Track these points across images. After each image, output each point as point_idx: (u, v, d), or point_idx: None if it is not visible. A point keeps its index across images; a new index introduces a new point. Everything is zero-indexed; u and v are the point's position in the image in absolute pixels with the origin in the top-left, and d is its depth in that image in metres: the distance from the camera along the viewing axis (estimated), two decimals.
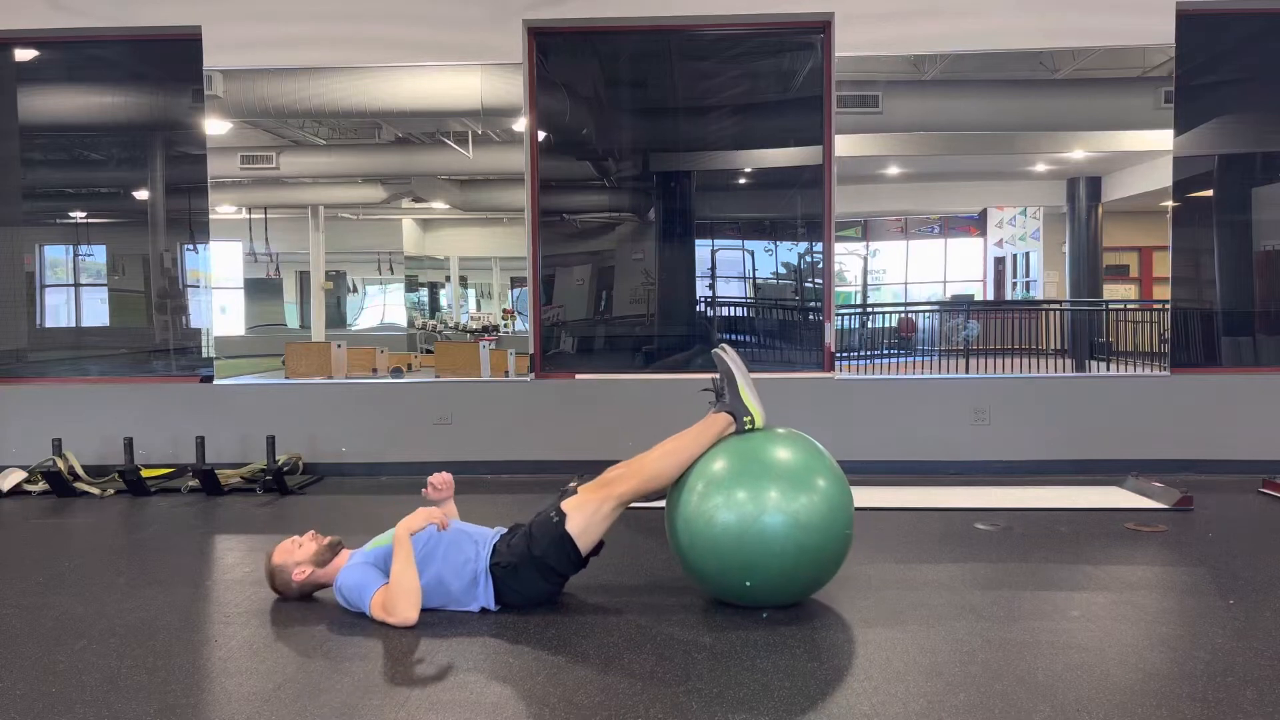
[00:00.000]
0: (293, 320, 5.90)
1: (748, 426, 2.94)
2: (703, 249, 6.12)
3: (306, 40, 5.46)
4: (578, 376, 5.57)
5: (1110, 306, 5.58)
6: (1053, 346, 5.64)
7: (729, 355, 3.00)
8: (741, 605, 2.88)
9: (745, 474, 2.79)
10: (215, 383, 5.60)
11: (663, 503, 3.02)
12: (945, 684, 2.31)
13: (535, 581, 2.87)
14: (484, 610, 2.89)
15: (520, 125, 5.51)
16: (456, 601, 2.89)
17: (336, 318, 5.88)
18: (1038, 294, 5.82)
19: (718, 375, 3.03)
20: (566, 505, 2.87)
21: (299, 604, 3.00)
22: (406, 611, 2.76)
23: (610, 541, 3.80)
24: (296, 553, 3.00)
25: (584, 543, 2.86)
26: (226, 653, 2.60)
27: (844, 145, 5.41)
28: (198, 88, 5.56)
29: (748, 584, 2.77)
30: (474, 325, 5.75)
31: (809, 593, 2.92)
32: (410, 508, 2.96)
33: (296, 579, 2.97)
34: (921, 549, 3.65)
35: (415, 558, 2.83)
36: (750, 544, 2.71)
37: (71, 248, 6.20)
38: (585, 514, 2.85)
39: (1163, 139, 5.29)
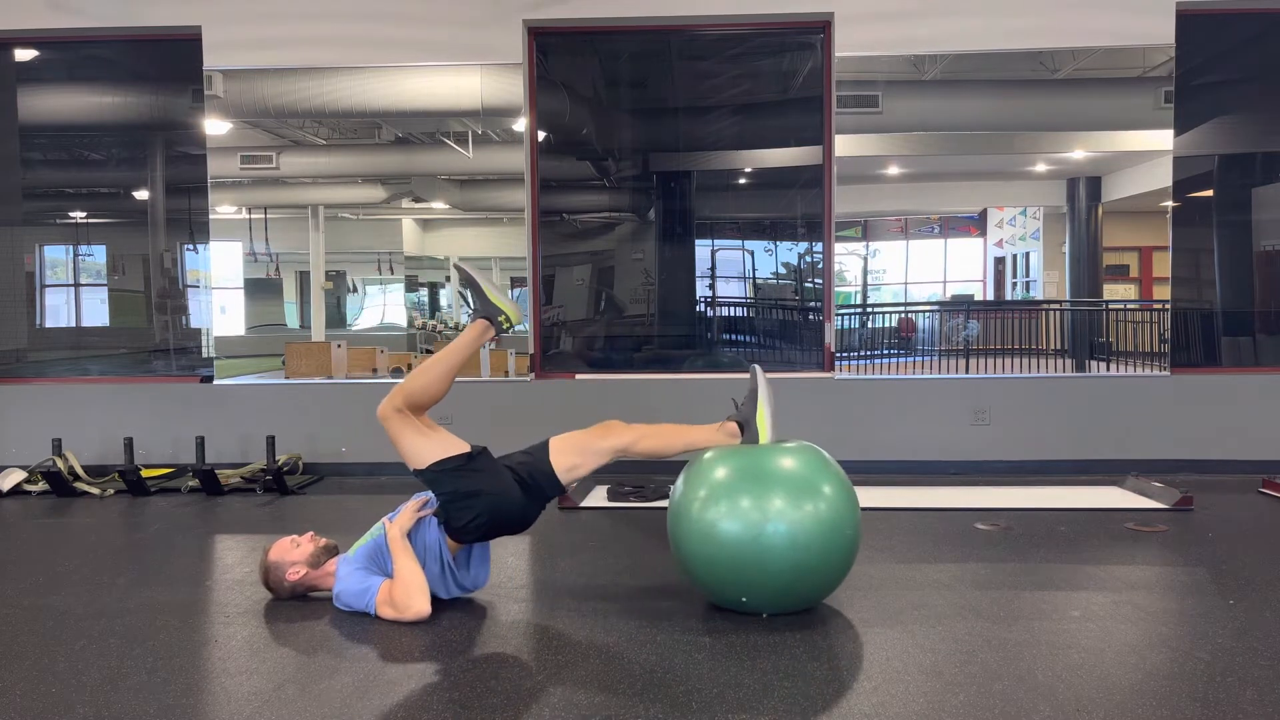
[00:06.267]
0: (293, 320, 5.90)
1: (505, 327, 3.11)
2: (703, 249, 6.12)
3: (306, 40, 5.46)
4: (578, 377, 5.57)
5: (1110, 306, 5.58)
6: (1053, 346, 5.64)
7: (760, 377, 3.02)
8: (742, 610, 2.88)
9: (750, 484, 2.77)
10: (215, 383, 5.60)
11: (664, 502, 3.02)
12: (945, 684, 2.31)
13: (464, 508, 2.87)
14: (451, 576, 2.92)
15: (520, 125, 5.51)
16: (432, 567, 2.90)
17: (336, 318, 5.88)
18: (1038, 294, 5.82)
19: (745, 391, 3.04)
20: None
21: (299, 604, 2.99)
22: (420, 604, 2.77)
23: (610, 542, 3.81)
24: (293, 552, 2.99)
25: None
26: (226, 653, 2.60)
27: (844, 145, 5.40)
28: (198, 88, 5.56)
29: (744, 600, 2.79)
30: None
31: (811, 604, 2.91)
32: None
33: (289, 579, 2.97)
34: (921, 549, 3.65)
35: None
36: (748, 562, 2.70)
37: (71, 248, 6.20)
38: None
39: (1163, 139, 5.29)
